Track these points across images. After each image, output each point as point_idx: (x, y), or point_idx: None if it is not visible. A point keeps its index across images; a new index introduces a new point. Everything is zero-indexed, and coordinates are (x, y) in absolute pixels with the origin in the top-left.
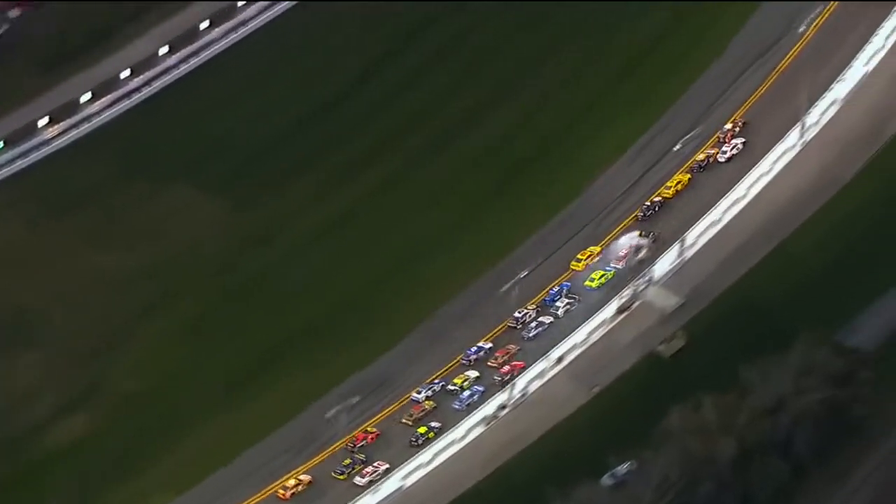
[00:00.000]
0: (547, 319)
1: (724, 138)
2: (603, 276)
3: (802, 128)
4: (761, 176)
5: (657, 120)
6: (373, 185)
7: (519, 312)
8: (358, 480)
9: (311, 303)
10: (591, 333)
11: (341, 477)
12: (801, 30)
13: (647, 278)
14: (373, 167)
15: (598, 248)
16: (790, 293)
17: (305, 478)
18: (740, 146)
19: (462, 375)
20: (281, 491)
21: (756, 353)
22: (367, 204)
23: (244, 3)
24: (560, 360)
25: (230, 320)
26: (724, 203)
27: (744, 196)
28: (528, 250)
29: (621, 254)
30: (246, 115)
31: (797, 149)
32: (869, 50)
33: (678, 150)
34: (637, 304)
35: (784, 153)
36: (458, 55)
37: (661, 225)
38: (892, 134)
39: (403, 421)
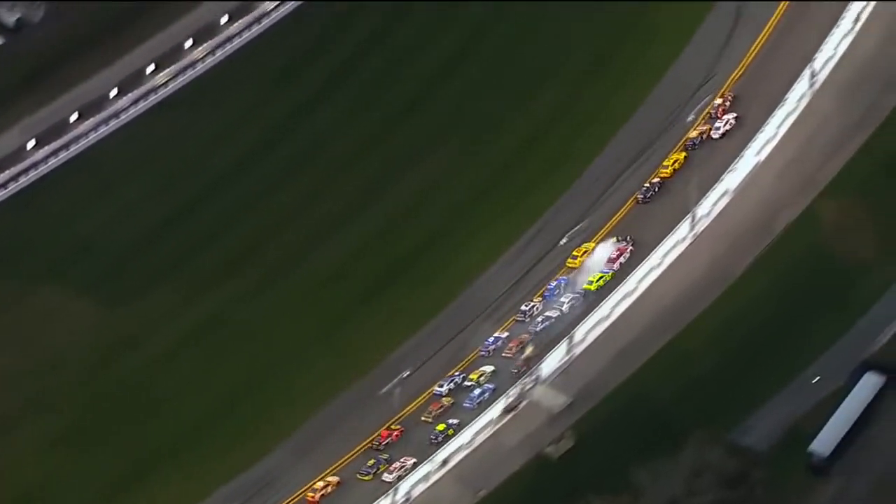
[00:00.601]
0: (553, 313)
1: (715, 114)
2: (601, 277)
3: (693, 220)
4: (651, 270)
5: (541, 215)
6: (241, 287)
7: (526, 305)
8: (386, 477)
9: (182, 409)
10: (477, 435)
11: (367, 478)
12: (689, 119)
13: (534, 377)
14: (241, 269)
15: (592, 245)
16: (681, 391)
17: (333, 479)
18: (733, 121)
19: (478, 371)
20: (310, 494)
21: (647, 453)
22: (234, 308)
23: (115, 95)
24: (445, 462)
25: (100, 429)
26: (614, 298)
27: (633, 290)
28: (406, 354)
29: (613, 255)
30: (114, 213)
31: (687, 241)
32: (760, 139)
33: (564, 244)
34: (524, 403)
35: (674, 246)
36: (330, 152)
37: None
38: (782, 227)
39: (423, 419)
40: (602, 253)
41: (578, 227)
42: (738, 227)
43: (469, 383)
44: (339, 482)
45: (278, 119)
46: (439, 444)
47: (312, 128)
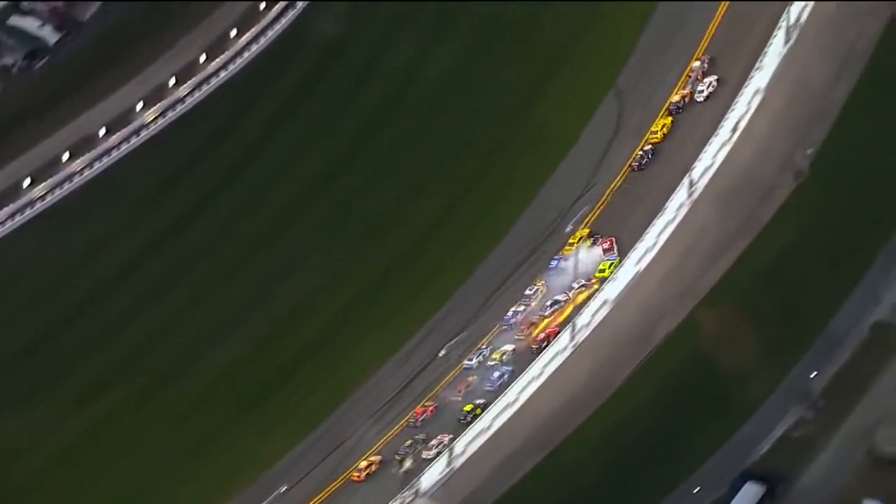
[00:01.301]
0: (562, 297)
1: (696, 76)
2: (612, 265)
3: (573, 329)
4: (531, 380)
5: (420, 327)
6: (118, 403)
7: (530, 289)
8: (425, 454)
9: None
10: None
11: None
12: (567, 230)
13: (413, 490)
14: (117, 385)
15: (586, 231)
16: (563, 503)
17: (376, 458)
18: (715, 84)
19: (499, 350)
20: (355, 474)
21: None
22: (108, 424)
23: None
24: None
25: None
26: (494, 410)
27: (514, 401)
28: (285, 468)
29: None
30: None
31: (568, 352)
32: (640, 248)
33: (444, 355)
34: None
35: (555, 356)
36: (213, 259)
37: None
38: (662, 336)
39: (452, 398)
40: (590, 254)
41: (458, 338)
42: (619, 337)
43: (493, 363)
44: (381, 461)
45: (157, 230)
46: (468, 424)
47: (193, 236)
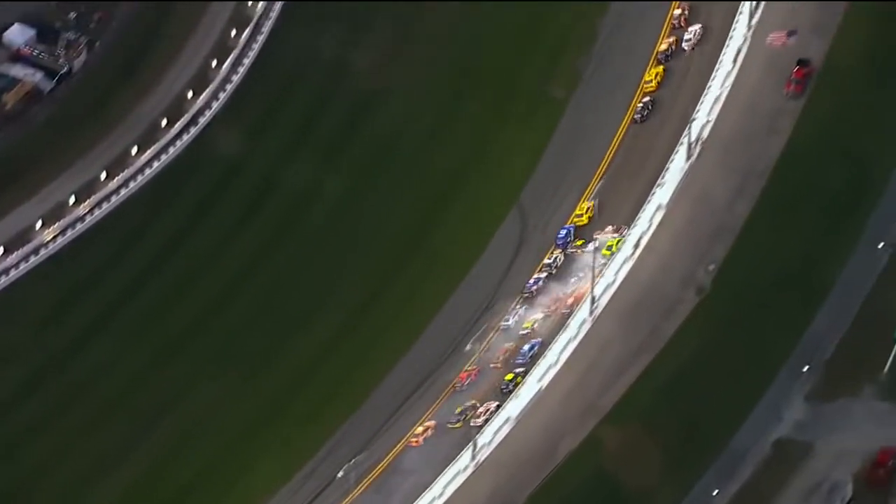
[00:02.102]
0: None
1: (678, 23)
2: (619, 241)
3: (474, 448)
4: (433, 500)
5: (317, 450)
6: None
7: (549, 258)
8: (474, 423)
9: None
10: None
11: (458, 425)
12: (467, 349)
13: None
14: None
15: (592, 203)
16: None
17: (431, 423)
18: (699, 31)
19: (530, 319)
20: (413, 439)
21: None
22: None
23: None
24: None
25: None
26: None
27: None
28: None
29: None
30: None
31: (469, 471)
32: (543, 365)
33: (342, 476)
34: None
35: (456, 475)
36: (103, 387)
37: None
38: (564, 454)
39: (492, 366)
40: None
41: (355, 459)
42: (521, 455)
43: (525, 331)
44: (436, 425)
45: (41, 360)
46: (510, 393)
47: (83, 364)
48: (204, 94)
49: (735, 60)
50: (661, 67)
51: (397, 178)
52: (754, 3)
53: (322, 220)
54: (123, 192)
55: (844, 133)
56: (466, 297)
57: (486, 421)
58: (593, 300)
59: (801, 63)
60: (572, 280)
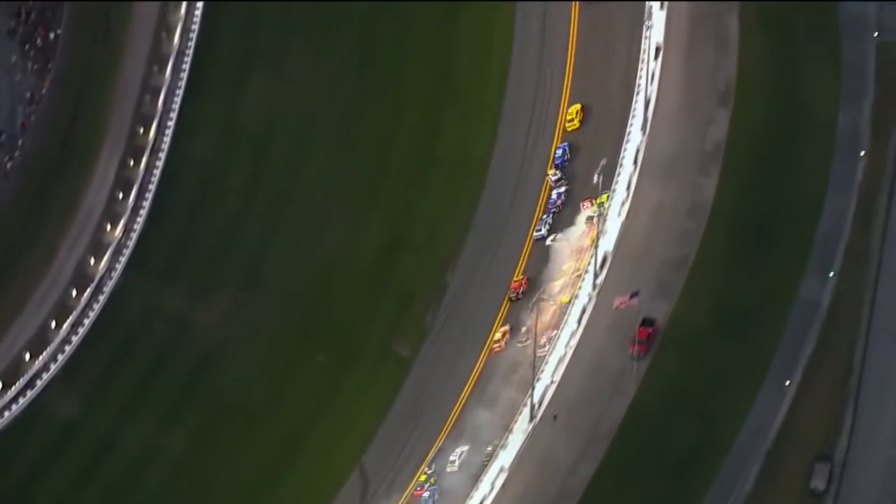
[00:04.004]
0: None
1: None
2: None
3: None
4: None
5: None
6: None
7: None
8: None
9: None
10: None
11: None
12: None
13: None
14: None
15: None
16: None
17: (505, 328)
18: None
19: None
20: (496, 346)
21: None
22: None
23: None
24: None
25: None
26: None
27: None
28: None
29: None
30: None
31: None
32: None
33: None
34: None
35: None
36: None
37: None
38: None
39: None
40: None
41: None
42: None
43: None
44: (510, 328)
45: None
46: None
47: None
48: (41, 356)
49: (580, 320)
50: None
51: (237, 439)
52: (598, 263)
53: (159, 484)
54: None
55: (690, 391)
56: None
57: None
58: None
59: (646, 323)
60: None
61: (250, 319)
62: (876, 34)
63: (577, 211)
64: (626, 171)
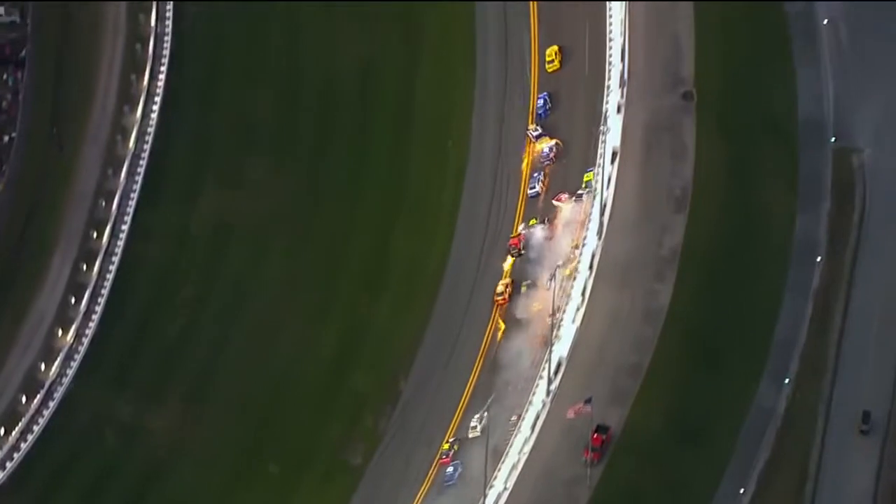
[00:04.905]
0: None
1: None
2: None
3: None
4: None
5: None
6: None
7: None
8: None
9: None
10: None
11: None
12: None
13: None
14: None
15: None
16: None
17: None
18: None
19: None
20: (498, 299)
21: None
22: None
23: None
24: None
25: None
26: None
27: None
28: None
29: None
30: None
31: None
32: None
33: None
34: None
35: None
36: None
37: None
38: None
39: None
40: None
41: None
42: None
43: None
44: (512, 281)
45: None
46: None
47: None
48: None
49: (533, 427)
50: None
51: None
52: (552, 370)
53: None
54: None
55: (644, 498)
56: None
57: None
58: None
59: (600, 429)
60: None
61: (201, 428)
62: (833, 139)
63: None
64: (582, 277)
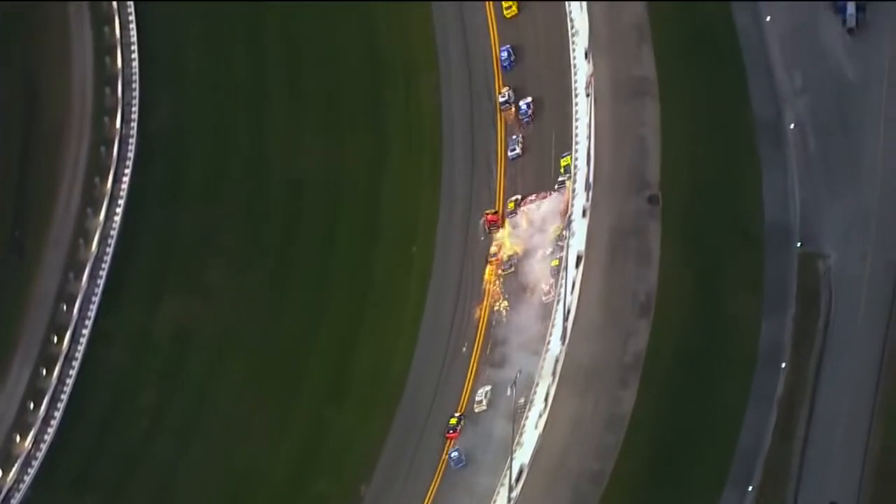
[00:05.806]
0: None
1: None
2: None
3: None
4: None
5: None
6: None
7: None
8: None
9: None
10: None
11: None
12: None
13: None
14: None
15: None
16: None
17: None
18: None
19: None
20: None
21: None
22: None
23: None
24: None
25: None
26: None
27: None
28: None
29: None
30: None
31: None
32: None
33: None
34: None
35: None
36: None
37: None
38: None
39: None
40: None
41: None
42: None
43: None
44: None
45: None
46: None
47: None
48: None
49: None
50: None
51: None
52: (513, 477)
53: None
54: None
55: None
56: None
57: None
58: None
59: None
60: None
61: None
62: (799, 244)
63: None
64: (545, 383)
